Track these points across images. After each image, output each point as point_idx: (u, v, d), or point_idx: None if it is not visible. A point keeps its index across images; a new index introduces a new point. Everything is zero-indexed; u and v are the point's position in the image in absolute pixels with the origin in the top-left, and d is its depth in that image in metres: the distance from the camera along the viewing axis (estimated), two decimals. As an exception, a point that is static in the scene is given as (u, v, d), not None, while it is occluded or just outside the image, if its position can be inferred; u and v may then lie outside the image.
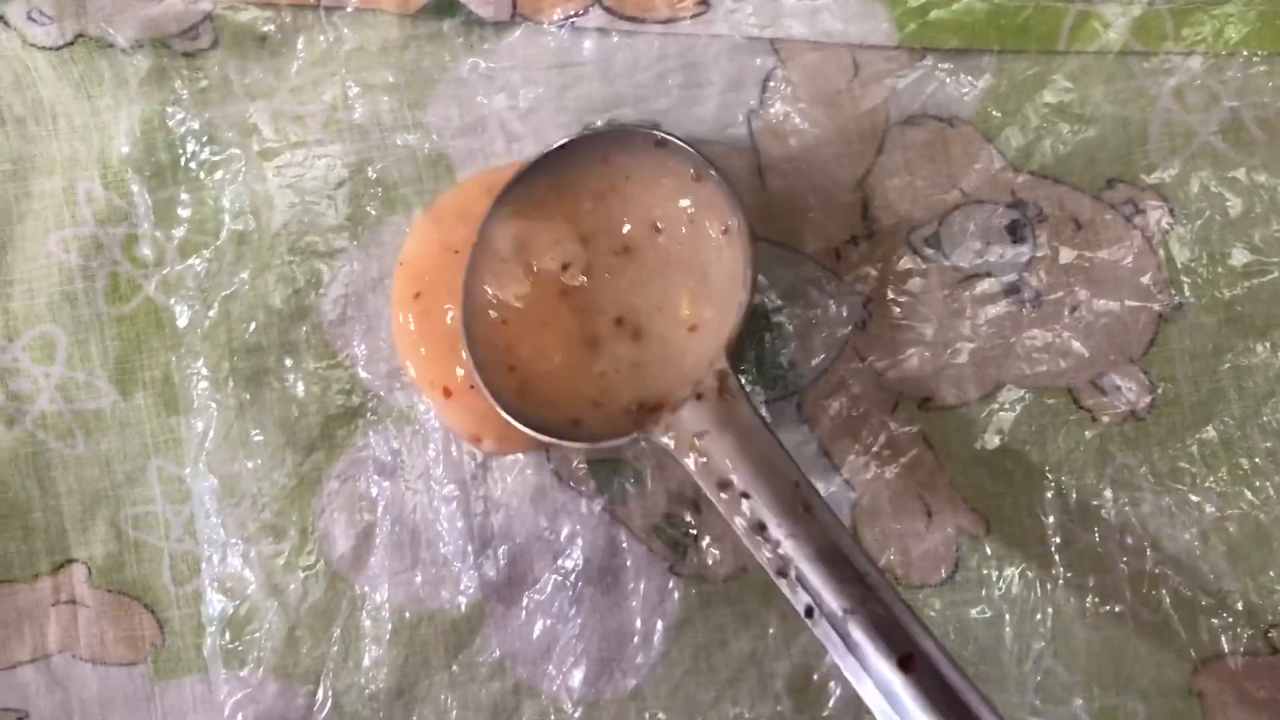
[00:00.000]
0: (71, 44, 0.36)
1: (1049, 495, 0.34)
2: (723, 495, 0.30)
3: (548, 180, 0.33)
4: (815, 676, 0.34)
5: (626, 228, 0.33)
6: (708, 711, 0.34)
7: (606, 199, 0.34)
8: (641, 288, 0.33)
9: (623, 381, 0.33)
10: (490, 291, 0.33)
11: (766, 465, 0.30)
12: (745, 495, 0.30)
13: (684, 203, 0.33)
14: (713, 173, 0.32)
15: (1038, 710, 0.34)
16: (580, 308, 0.33)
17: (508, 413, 0.32)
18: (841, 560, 0.29)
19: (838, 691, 0.34)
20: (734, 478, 0.30)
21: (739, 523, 0.30)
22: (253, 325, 0.36)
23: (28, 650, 0.36)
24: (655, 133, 0.32)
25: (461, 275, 0.33)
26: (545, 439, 0.32)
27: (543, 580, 0.35)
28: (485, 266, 0.33)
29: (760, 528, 0.29)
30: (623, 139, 0.33)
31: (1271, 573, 0.33)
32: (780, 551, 0.29)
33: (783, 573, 0.29)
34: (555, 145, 0.33)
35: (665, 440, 0.31)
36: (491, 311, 0.33)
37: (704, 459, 0.30)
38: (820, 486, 0.34)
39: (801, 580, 0.29)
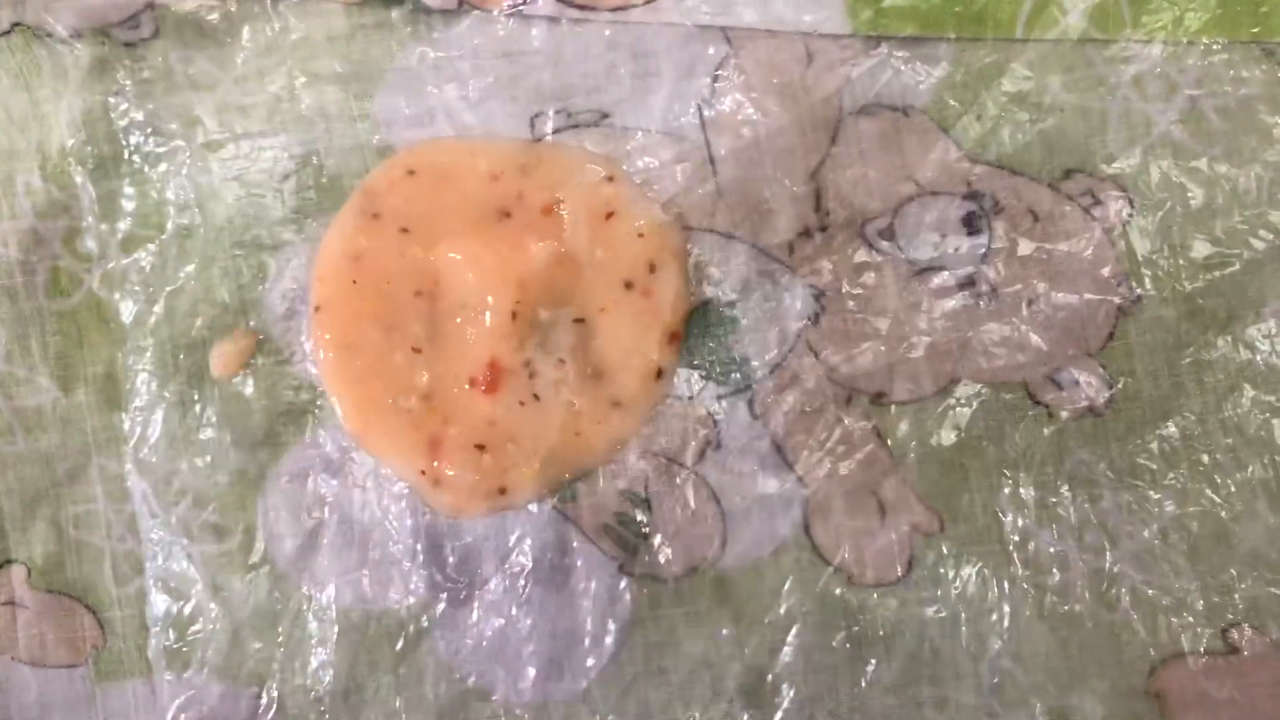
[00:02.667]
0: (8, 33, 0.35)
1: (1005, 492, 0.33)
2: None
3: None
4: (769, 678, 0.34)
5: None
6: (659, 714, 0.34)
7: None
8: None
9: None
10: None
11: None
12: None
13: None
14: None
15: (995, 712, 0.33)
16: None
17: None
18: None
19: (790, 693, 0.33)
20: None
21: None
22: (198, 320, 0.35)
23: (-34, 653, 0.35)
24: None
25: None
26: None
27: (492, 580, 0.34)
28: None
29: None
30: None
31: (1232, 571, 0.33)
32: None
33: None
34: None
35: None
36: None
37: None
38: (773, 483, 0.34)
39: None
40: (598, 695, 0.34)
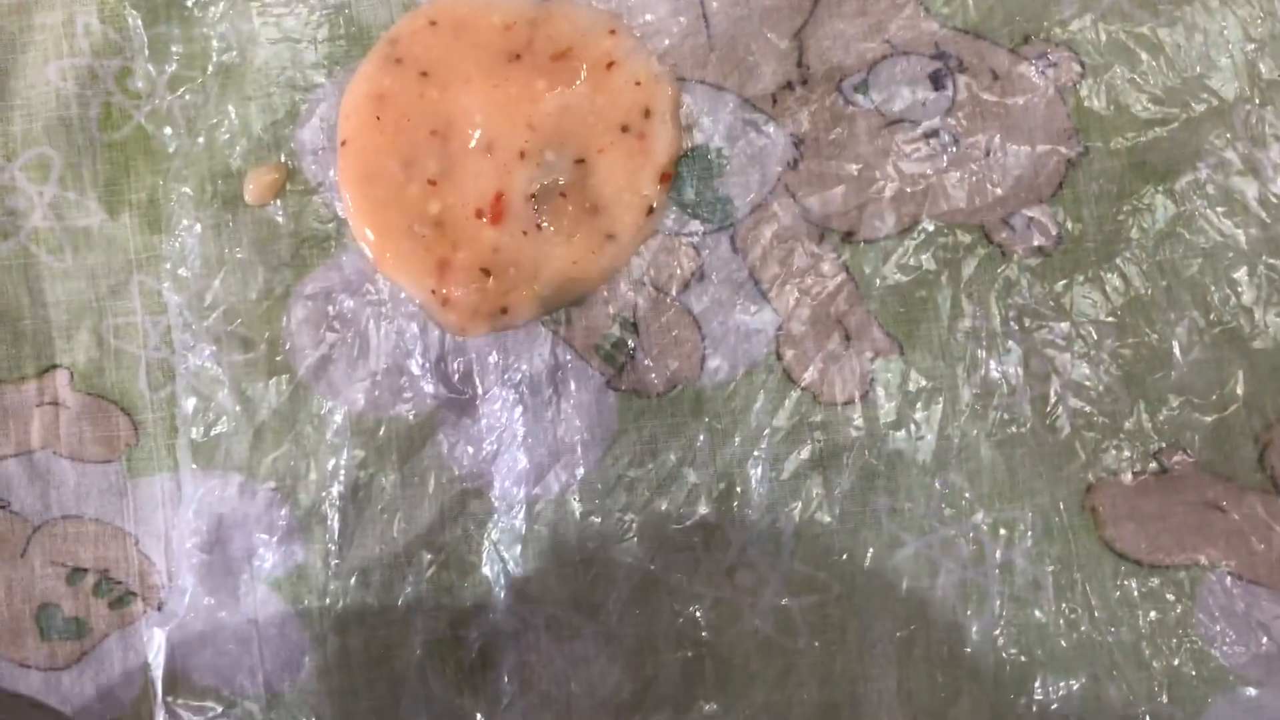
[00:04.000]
0: (76, -116, 0.39)
1: (959, 322, 0.37)
2: None
3: None
4: (737, 487, 0.37)
5: None
6: (638, 511, 0.37)
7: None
8: None
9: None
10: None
11: None
12: None
13: None
14: None
15: (945, 520, 0.36)
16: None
17: None
18: None
19: (756, 499, 0.37)
20: None
21: None
22: (235, 151, 0.39)
23: (12, 445, 0.39)
24: None
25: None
26: None
27: (491, 392, 0.38)
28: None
29: None
30: None
31: (1165, 398, 0.36)
32: None
33: None
34: None
35: None
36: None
37: None
38: (750, 310, 0.37)
39: None
40: (583, 494, 0.37)
